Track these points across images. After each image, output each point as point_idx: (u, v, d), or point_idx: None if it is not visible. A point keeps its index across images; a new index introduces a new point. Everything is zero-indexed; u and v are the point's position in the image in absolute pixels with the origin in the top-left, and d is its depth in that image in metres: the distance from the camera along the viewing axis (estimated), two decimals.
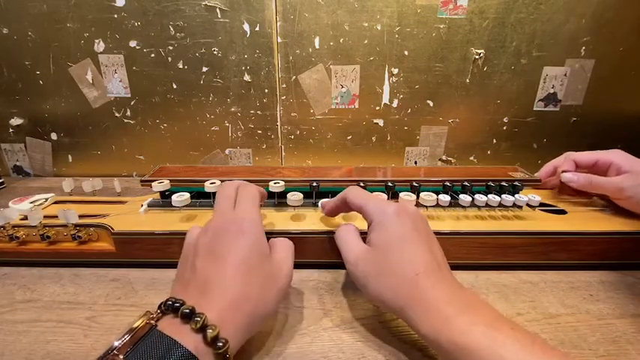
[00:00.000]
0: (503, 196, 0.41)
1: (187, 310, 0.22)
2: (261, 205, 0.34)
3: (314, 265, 0.39)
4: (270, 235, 0.34)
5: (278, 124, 0.65)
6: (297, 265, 0.38)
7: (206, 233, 0.28)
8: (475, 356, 0.21)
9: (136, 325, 0.22)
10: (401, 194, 0.40)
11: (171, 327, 0.22)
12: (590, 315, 0.32)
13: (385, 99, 0.63)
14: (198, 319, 0.21)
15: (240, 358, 0.27)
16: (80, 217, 0.38)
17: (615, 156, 0.41)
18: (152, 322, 0.22)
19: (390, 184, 0.41)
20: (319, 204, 0.41)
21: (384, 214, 0.29)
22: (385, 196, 0.40)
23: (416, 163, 0.69)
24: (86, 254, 0.38)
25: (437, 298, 0.24)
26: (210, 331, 0.21)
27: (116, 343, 0.20)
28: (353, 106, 0.64)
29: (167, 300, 0.23)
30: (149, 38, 0.59)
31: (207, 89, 0.62)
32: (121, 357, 0.20)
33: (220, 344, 0.21)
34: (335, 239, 0.33)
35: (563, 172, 0.43)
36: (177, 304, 0.22)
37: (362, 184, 0.41)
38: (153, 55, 0.60)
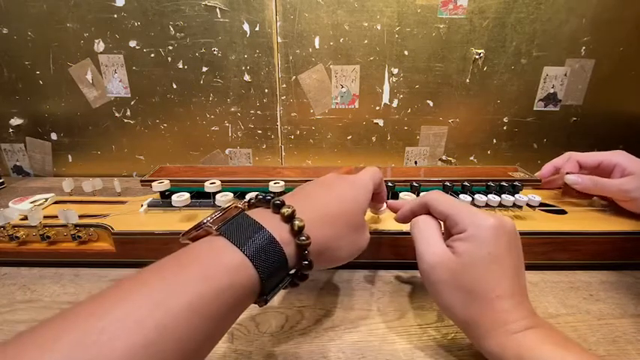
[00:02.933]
0: (503, 196, 0.41)
1: (279, 202, 0.23)
2: (374, 194, 0.33)
3: None
4: None
5: (278, 124, 0.65)
6: None
7: (334, 175, 0.31)
8: None
9: (226, 206, 0.24)
10: (401, 194, 0.40)
11: (260, 214, 0.23)
12: (590, 315, 0.32)
13: (385, 99, 0.63)
14: (288, 209, 0.23)
15: (241, 358, 0.27)
16: (80, 217, 0.38)
17: (619, 157, 0.41)
18: (241, 207, 0.24)
19: (389, 184, 0.41)
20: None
21: (481, 227, 0.26)
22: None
23: (416, 163, 0.69)
24: (86, 254, 0.38)
25: (508, 319, 0.24)
26: (297, 222, 0.22)
27: (206, 219, 0.22)
28: (353, 106, 0.64)
29: (258, 194, 0.25)
30: (149, 38, 0.59)
31: (207, 89, 0.62)
32: (214, 228, 0.21)
33: (304, 237, 0.22)
34: (412, 230, 0.30)
35: (566, 173, 0.43)
36: (269, 197, 0.24)
37: None
38: (153, 55, 0.60)
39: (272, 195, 0.24)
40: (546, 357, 0.21)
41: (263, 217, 0.23)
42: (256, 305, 0.22)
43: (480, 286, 0.25)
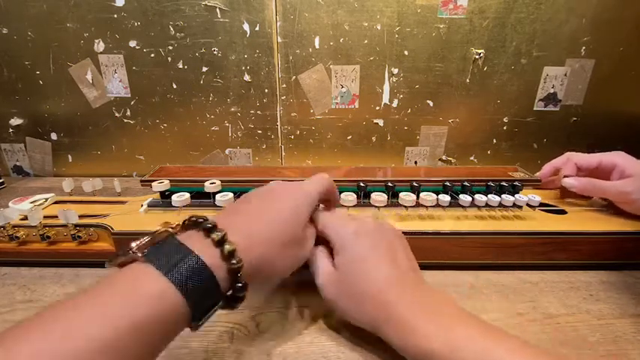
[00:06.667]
0: (503, 196, 0.41)
1: (209, 225, 0.23)
2: (323, 201, 0.34)
3: None
4: None
5: (278, 124, 0.65)
6: None
7: (278, 183, 0.31)
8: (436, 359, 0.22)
9: (156, 229, 0.22)
10: (401, 194, 0.40)
11: (191, 238, 0.22)
12: (590, 315, 0.32)
13: (385, 99, 0.63)
14: (219, 232, 0.22)
15: (241, 358, 0.27)
16: (80, 217, 0.38)
17: (618, 158, 0.41)
18: (171, 230, 0.23)
19: (390, 184, 0.41)
20: None
21: (344, 237, 0.29)
22: (345, 211, 0.38)
23: (416, 163, 0.69)
24: (86, 254, 0.38)
25: (400, 312, 0.25)
26: (228, 246, 0.22)
27: (134, 244, 0.21)
28: (353, 106, 0.64)
29: (191, 217, 0.24)
30: (149, 38, 0.59)
31: (207, 89, 0.62)
32: (140, 254, 0.20)
33: (235, 261, 0.22)
34: (308, 261, 0.32)
35: (564, 177, 0.43)
36: (201, 220, 0.23)
37: (362, 184, 0.41)
38: (153, 55, 0.60)
39: (204, 218, 0.23)
40: (436, 345, 0.22)
41: (194, 240, 0.22)
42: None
43: (361, 287, 0.27)
